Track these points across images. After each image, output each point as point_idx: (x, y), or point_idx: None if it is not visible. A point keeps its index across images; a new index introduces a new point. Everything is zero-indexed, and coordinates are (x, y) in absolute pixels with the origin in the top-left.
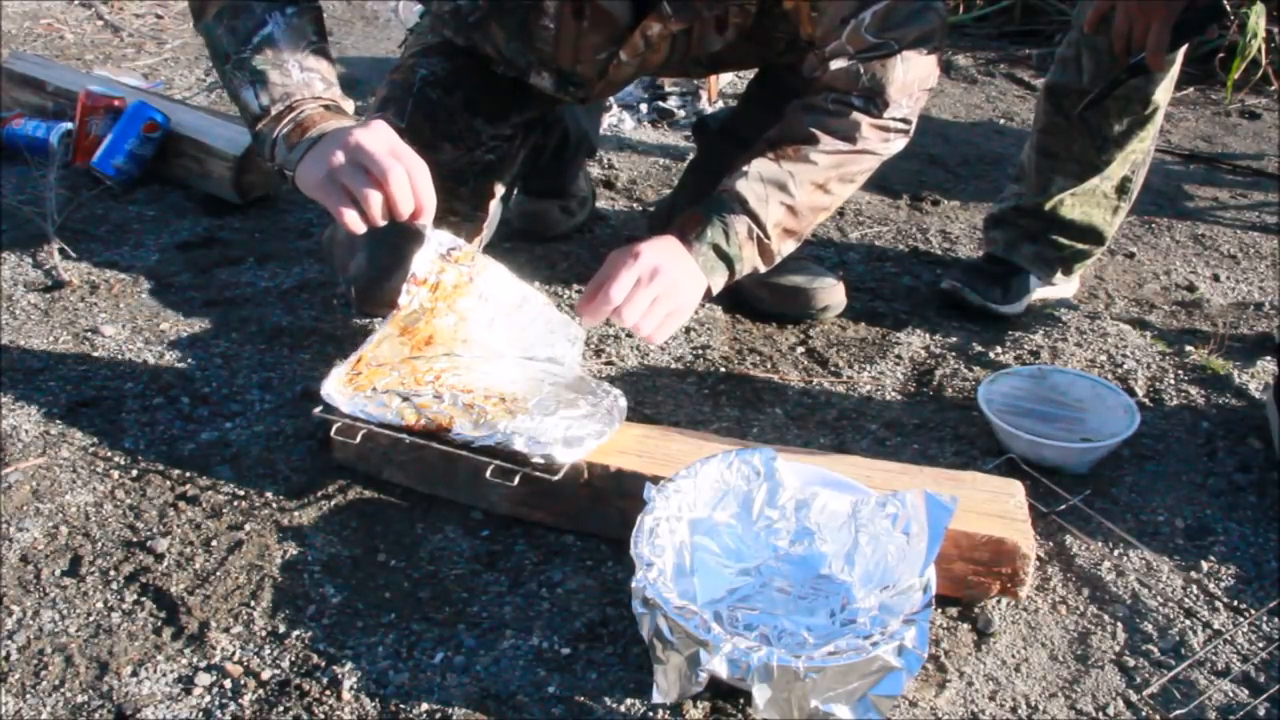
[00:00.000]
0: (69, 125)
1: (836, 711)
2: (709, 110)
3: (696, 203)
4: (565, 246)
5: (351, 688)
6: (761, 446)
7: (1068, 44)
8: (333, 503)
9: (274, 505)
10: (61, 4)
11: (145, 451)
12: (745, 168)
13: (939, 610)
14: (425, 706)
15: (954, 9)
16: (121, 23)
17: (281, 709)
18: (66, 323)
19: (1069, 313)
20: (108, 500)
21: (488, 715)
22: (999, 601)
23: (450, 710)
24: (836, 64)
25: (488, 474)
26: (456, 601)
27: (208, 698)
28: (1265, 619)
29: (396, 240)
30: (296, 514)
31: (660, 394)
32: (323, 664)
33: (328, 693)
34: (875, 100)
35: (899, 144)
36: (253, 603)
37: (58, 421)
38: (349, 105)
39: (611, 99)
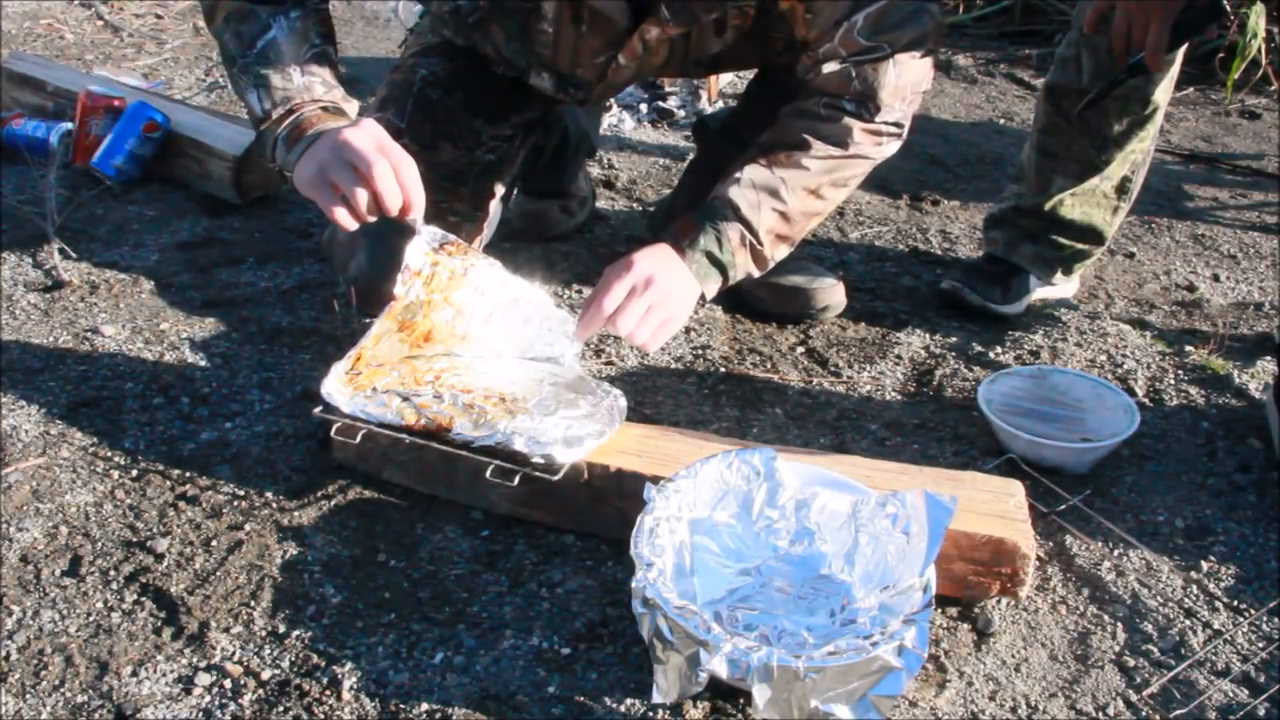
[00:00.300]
0: (69, 125)
1: (836, 711)
2: (709, 110)
3: (692, 207)
4: (565, 246)
5: (351, 688)
6: (761, 446)
7: (1067, 44)
8: (333, 503)
9: (274, 505)
10: (61, 4)
11: (145, 451)
12: (737, 174)
13: (939, 610)
14: (425, 706)
15: (954, 9)
16: (121, 23)
17: (281, 709)
18: (66, 323)
19: (1069, 313)
20: (108, 500)
21: (488, 715)
22: (999, 601)
23: (450, 710)
24: (829, 67)
25: (488, 474)
26: (456, 601)
27: (208, 698)
28: (1265, 619)
29: (396, 240)
30: (296, 514)
31: (660, 394)
32: (323, 664)
33: (328, 693)
34: (867, 104)
35: (892, 148)
36: (253, 603)
37: (58, 421)
38: (352, 106)
39: (612, 99)
